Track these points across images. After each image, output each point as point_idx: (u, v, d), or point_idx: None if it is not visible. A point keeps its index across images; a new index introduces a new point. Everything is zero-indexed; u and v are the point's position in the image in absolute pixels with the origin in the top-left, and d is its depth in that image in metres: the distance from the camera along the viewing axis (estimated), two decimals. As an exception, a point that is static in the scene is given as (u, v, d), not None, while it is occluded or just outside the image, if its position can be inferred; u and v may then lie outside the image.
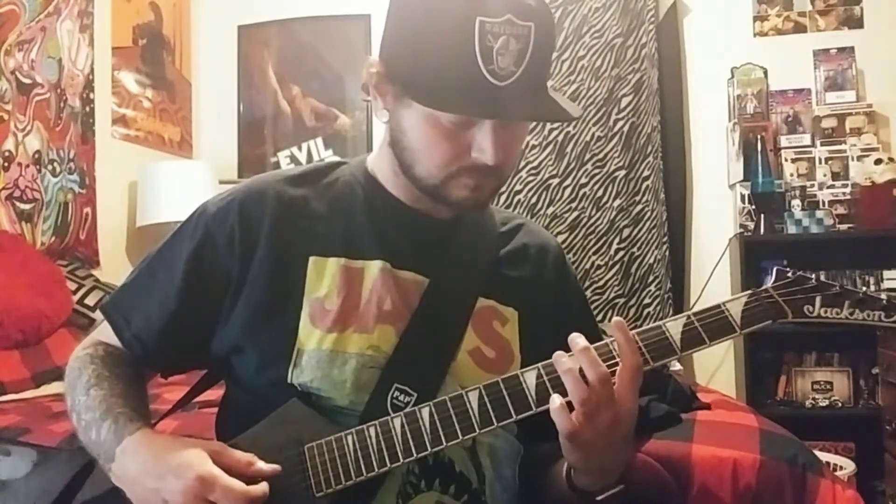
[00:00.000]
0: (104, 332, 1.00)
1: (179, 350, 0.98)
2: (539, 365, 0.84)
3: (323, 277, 0.93)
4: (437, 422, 0.83)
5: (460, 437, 0.83)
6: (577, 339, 0.81)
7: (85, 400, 0.91)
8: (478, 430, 0.83)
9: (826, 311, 0.84)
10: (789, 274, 0.86)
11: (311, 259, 0.93)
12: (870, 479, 2.48)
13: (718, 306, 0.85)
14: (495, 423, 0.83)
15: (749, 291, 0.86)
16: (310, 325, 0.90)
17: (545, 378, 0.83)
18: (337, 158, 1.07)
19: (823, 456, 2.00)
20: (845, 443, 2.72)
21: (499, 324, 0.98)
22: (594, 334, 1.07)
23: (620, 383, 0.80)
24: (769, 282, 0.87)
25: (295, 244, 0.94)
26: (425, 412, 0.84)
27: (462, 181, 0.91)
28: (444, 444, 0.83)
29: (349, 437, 0.84)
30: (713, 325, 0.84)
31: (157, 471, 0.81)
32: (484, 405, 0.83)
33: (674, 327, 0.84)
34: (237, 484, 0.79)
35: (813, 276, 0.86)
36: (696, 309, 0.85)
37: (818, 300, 0.84)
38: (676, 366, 2.66)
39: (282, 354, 0.89)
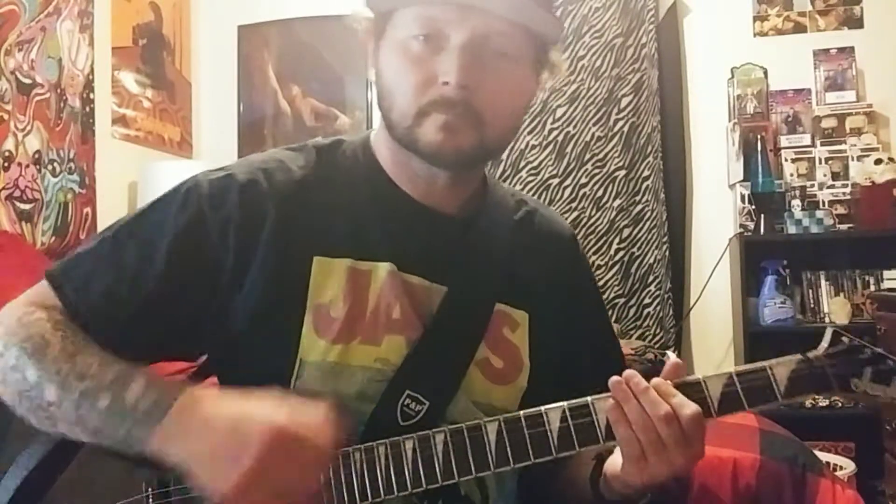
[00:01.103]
0: (49, 300, 0.84)
1: (146, 337, 0.84)
2: (566, 404, 0.79)
3: (328, 280, 0.84)
4: (451, 453, 0.77)
5: (473, 473, 0.77)
6: (635, 379, 0.76)
7: (71, 367, 0.76)
8: (492, 469, 0.78)
9: (873, 388, 0.79)
10: (844, 339, 0.81)
11: (316, 259, 0.85)
12: (870, 479, 2.48)
13: (764, 368, 0.79)
14: (511, 464, 0.77)
15: (799, 356, 0.80)
16: (314, 334, 0.83)
17: (570, 421, 0.77)
18: (337, 137, 0.97)
19: (823, 456, 2.00)
20: (845, 443, 2.72)
21: (509, 330, 0.92)
22: (607, 330, 1.06)
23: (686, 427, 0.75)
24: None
25: (298, 241, 0.85)
26: (439, 438, 0.78)
27: (432, 118, 0.82)
28: (456, 478, 0.78)
29: (356, 454, 0.78)
30: (754, 389, 0.78)
31: (230, 420, 0.71)
32: (502, 442, 0.77)
33: (714, 386, 0.78)
34: (323, 437, 0.71)
35: (868, 345, 0.81)
36: (738, 368, 0.80)
37: (868, 373, 0.80)
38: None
39: (282, 365, 0.83)
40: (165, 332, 0.86)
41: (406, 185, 0.91)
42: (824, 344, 0.81)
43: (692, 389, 0.78)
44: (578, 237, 3.35)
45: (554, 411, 0.78)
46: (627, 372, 0.77)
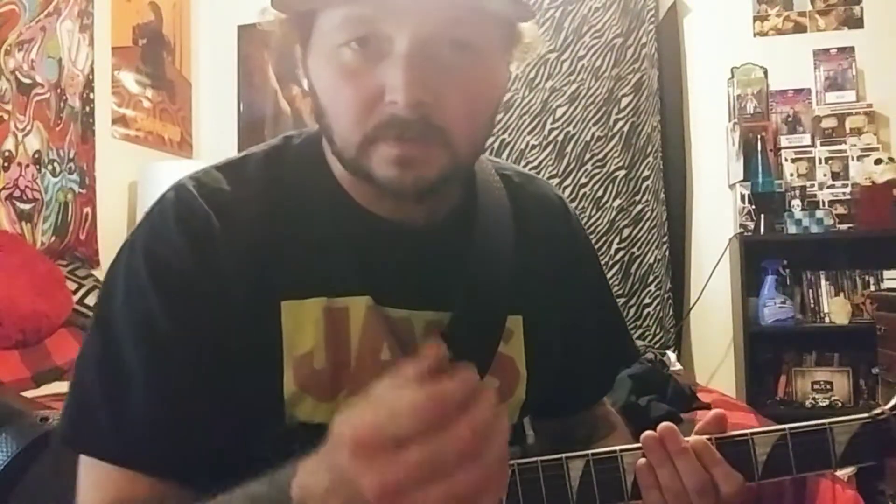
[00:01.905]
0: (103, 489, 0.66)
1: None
2: (590, 454, 0.68)
3: (304, 327, 0.70)
4: None
5: None
6: (674, 437, 0.67)
7: None
8: None
9: None
10: None
11: (285, 305, 0.70)
12: (870, 479, 2.48)
13: (824, 430, 0.67)
14: None
15: (866, 417, 0.68)
16: (298, 390, 0.70)
17: (593, 474, 0.68)
18: (285, 138, 0.81)
19: (823, 456, 2.00)
20: (845, 443, 2.71)
21: (503, 343, 0.79)
22: (609, 305, 0.94)
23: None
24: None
25: (261, 286, 0.70)
26: None
27: (381, 150, 0.66)
28: None
29: None
30: (807, 454, 0.68)
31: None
32: (514, 493, 0.67)
33: (762, 445, 0.68)
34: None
35: None
36: (795, 425, 0.68)
37: None
38: (677, 366, 2.66)
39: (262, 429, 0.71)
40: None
41: (370, 202, 0.75)
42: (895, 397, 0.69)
43: (736, 449, 0.68)
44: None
45: (576, 461, 0.68)
46: (664, 428, 0.68)
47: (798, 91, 3.08)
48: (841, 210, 2.92)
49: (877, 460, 0.68)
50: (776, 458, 0.67)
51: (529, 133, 3.25)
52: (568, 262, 0.86)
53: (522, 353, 0.80)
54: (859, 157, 2.91)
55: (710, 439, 0.68)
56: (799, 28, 3.13)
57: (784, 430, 0.67)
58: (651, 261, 3.12)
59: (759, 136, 2.99)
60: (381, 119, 0.65)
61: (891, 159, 2.81)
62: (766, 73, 3.09)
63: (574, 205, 3.16)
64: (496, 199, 0.82)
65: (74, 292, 2.44)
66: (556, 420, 0.90)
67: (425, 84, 0.64)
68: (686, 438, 0.68)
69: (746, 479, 0.67)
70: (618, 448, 0.68)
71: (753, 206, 2.88)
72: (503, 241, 0.80)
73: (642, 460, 0.67)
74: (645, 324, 3.09)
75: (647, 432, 0.68)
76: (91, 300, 2.47)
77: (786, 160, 3.01)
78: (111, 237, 2.97)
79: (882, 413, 0.68)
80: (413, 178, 0.67)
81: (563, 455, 0.68)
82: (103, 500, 0.66)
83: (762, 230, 2.87)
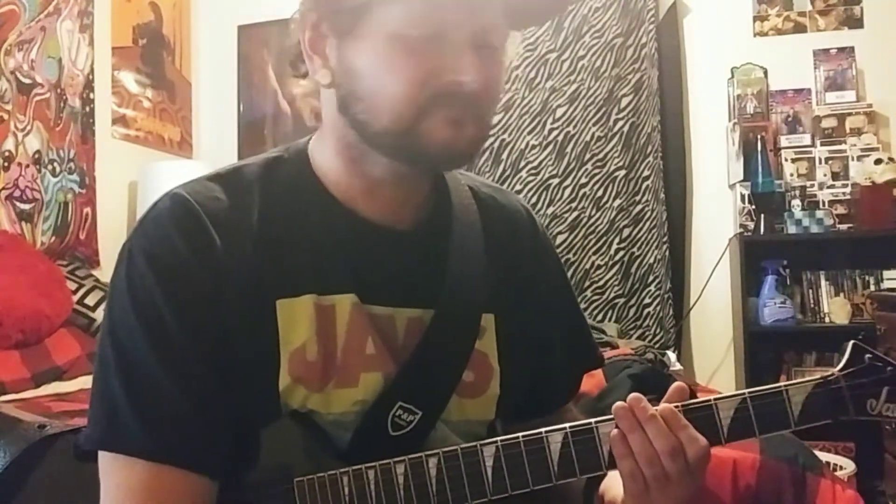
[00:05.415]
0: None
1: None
2: (567, 427, 0.73)
3: (297, 322, 0.76)
4: (446, 479, 0.72)
5: (469, 501, 0.72)
6: (641, 405, 0.71)
7: None
8: (489, 496, 0.72)
9: (889, 409, 0.73)
10: (867, 357, 0.74)
11: (279, 303, 0.76)
12: (870, 479, 2.48)
13: (780, 391, 0.73)
14: (509, 491, 0.72)
15: (818, 379, 0.74)
16: (292, 381, 0.75)
17: (572, 446, 0.72)
18: (273, 153, 0.86)
19: (823, 456, 2.00)
20: (845, 443, 2.72)
21: (477, 339, 0.85)
22: (573, 309, 0.99)
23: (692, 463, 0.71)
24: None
25: (257, 286, 0.75)
26: (432, 462, 0.72)
27: (440, 115, 0.73)
28: None
29: (344, 478, 0.73)
30: (767, 415, 0.73)
31: None
32: (499, 468, 0.72)
33: (725, 410, 0.73)
34: None
35: (890, 361, 0.74)
36: (754, 389, 0.74)
37: (884, 394, 0.73)
38: (677, 366, 2.66)
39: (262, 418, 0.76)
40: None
41: (358, 203, 0.81)
42: (843, 360, 0.74)
43: (701, 414, 0.73)
44: (578, 237, 3.28)
45: (555, 434, 0.73)
46: (633, 396, 0.73)
47: (798, 91, 3.08)
48: (841, 210, 2.92)
49: (831, 419, 0.73)
50: (739, 421, 0.73)
51: (529, 133, 3.25)
52: (533, 269, 0.92)
53: (495, 349, 0.85)
54: (859, 157, 2.91)
55: (676, 407, 0.73)
56: (799, 28, 3.13)
57: (744, 394, 0.73)
58: (651, 261, 3.12)
59: (759, 136, 2.99)
60: (435, 91, 0.73)
61: (891, 159, 2.81)
62: (766, 73, 3.09)
63: (574, 205, 3.19)
64: (466, 205, 0.89)
65: (74, 292, 2.44)
66: (525, 424, 0.93)
67: (481, 71, 0.74)
68: (654, 407, 0.73)
69: (713, 443, 0.72)
70: (593, 420, 0.73)
71: (753, 206, 2.88)
72: (475, 244, 0.86)
73: (615, 430, 0.72)
74: (645, 324, 3.09)
75: (618, 402, 0.72)
76: (91, 300, 2.47)
77: (786, 160, 3.01)
78: (111, 237, 2.98)
79: (832, 375, 0.74)
80: (464, 140, 0.75)
81: (543, 430, 0.73)
82: (134, 498, 0.70)
83: (762, 230, 2.87)
